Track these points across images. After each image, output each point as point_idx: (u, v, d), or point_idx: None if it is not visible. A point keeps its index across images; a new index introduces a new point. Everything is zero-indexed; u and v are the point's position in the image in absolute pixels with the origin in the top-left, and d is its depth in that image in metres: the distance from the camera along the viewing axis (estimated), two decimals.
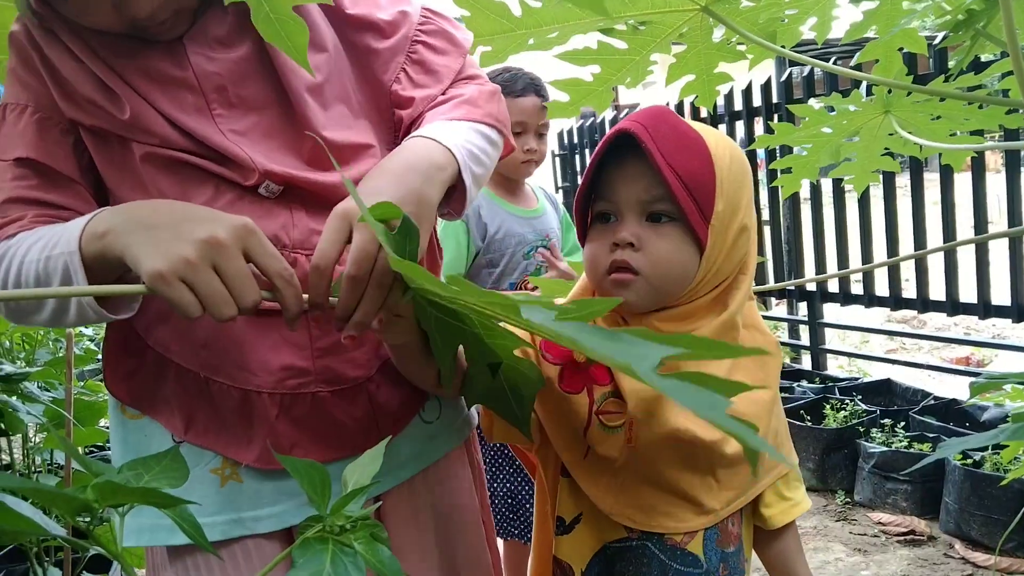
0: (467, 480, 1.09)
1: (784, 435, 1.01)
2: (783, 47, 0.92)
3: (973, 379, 0.82)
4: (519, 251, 1.98)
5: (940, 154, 1.30)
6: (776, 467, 0.97)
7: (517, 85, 1.97)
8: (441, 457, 1.04)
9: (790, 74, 3.56)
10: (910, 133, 1.09)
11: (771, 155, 3.89)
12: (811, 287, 3.70)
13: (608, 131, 0.90)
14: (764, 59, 0.89)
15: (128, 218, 0.73)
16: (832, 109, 1.14)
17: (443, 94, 0.98)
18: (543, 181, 2.37)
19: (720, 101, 3.85)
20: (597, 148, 0.89)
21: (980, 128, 1.12)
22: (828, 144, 1.18)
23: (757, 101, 3.66)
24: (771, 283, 3.91)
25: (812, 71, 3.45)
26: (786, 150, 3.19)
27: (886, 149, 1.20)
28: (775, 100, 3.63)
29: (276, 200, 0.88)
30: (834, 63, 3.19)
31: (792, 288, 3.73)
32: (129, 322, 0.89)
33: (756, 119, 3.72)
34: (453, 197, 0.92)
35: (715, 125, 3.88)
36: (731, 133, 3.85)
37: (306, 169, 0.89)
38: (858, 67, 1.06)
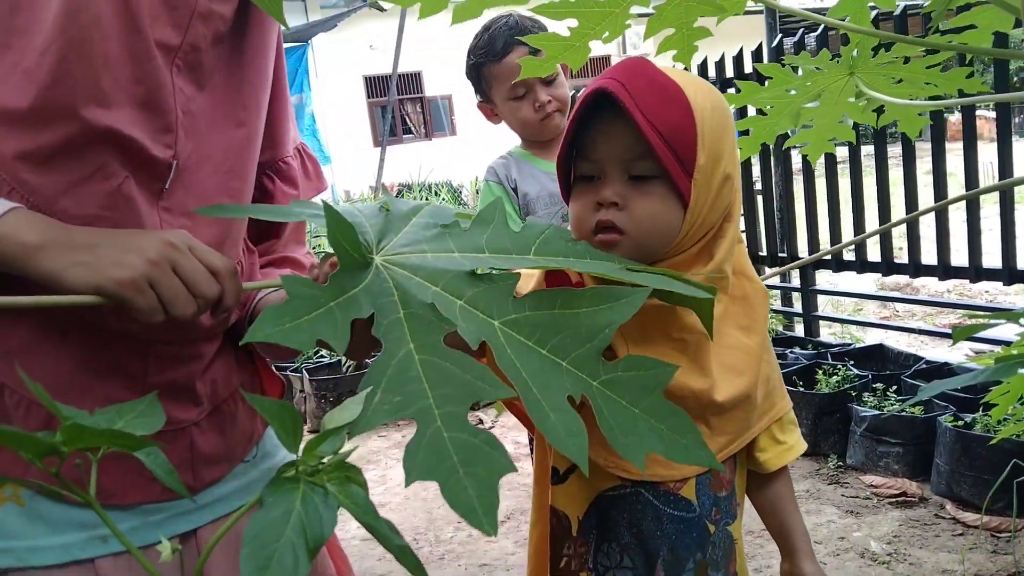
0: None
1: (777, 380, 1.01)
2: None
3: (955, 324, 0.83)
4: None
5: (897, 123, 1.30)
6: (769, 411, 0.99)
7: (497, 45, 1.78)
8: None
9: (780, 41, 3.54)
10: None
11: None
12: (803, 253, 3.71)
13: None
14: (738, 10, 0.88)
15: (66, 238, 0.74)
16: (797, 70, 1.14)
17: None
18: None
19: (711, 69, 3.83)
20: (575, 106, 0.88)
21: (940, 92, 1.12)
22: (790, 106, 1.17)
23: (748, 68, 3.64)
24: (763, 251, 3.92)
25: (803, 38, 3.43)
26: None
27: (843, 117, 1.19)
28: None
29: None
30: (825, 30, 3.18)
31: (784, 255, 3.74)
32: None
33: None
34: None
35: None
36: None
37: None
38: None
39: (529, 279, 0.95)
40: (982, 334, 3.46)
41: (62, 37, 0.75)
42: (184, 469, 0.91)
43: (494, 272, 0.69)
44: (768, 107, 1.18)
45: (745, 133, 1.27)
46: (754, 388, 0.94)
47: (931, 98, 1.16)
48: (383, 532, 0.53)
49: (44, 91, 0.75)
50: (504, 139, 2.00)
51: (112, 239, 0.75)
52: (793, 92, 1.13)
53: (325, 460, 0.53)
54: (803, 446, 1.03)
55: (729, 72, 3.76)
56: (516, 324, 0.63)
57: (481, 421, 3.83)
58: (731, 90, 3.60)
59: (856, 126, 2.55)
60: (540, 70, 0.97)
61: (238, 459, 0.98)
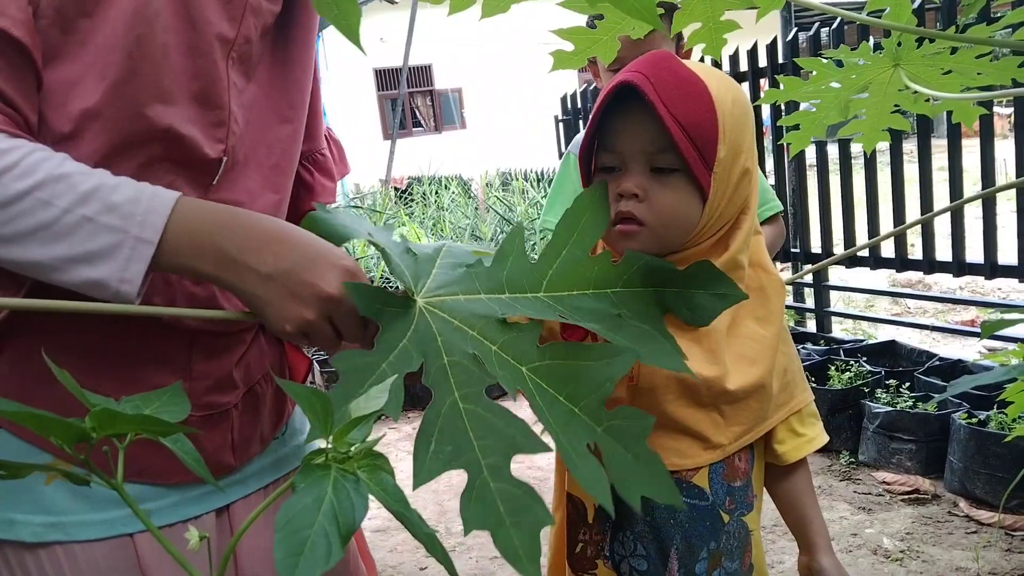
0: None
1: (796, 371, 1.02)
2: None
3: (985, 319, 0.82)
4: None
5: (948, 115, 1.28)
6: (787, 403, 0.99)
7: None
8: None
9: (796, 35, 3.52)
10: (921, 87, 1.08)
11: (776, 118, 3.85)
12: (816, 249, 3.69)
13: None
14: (772, 8, 0.88)
15: (238, 256, 0.73)
16: (840, 64, 1.13)
17: None
18: (546, 146, 2.33)
19: (725, 62, 3.81)
20: (600, 98, 0.89)
21: (992, 83, 1.11)
22: (837, 100, 1.16)
23: (763, 62, 3.62)
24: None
25: (818, 31, 3.40)
26: (792, 109, 3.16)
27: (896, 106, 1.18)
28: (780, 61, 3.59)
29: None
30: (840, 24, 3.15)
31: (797, 250, 3.72)
32: None
33: (761, 80, 3.69)
34: None
35: None
36: None
37: None
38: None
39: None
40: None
41: (129, 35, 0.74)
42: (227, 450, 0.92)
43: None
44: (815, 101, 1.17)
45: (795, 128, 1.26)
46: (769, 378, 0.94)
47: (982, 88, 1.14)
48: (412, 520, 0.53)
49: (113, 90, 0.75)
50: (514, 132, 2.01)
51: (284, 274, 0.74)
52: (836, 85, 1.12)
53: (354, 448, 0.53)
54: (824, 439, 1.03)
55: (744, 66, 3.74)
56: (540, 372, 0.69)
57: None
58: (764, 81, 3.61)
59: None
60: (571, 62, 0.97)
61: (270, 437, 1.00)
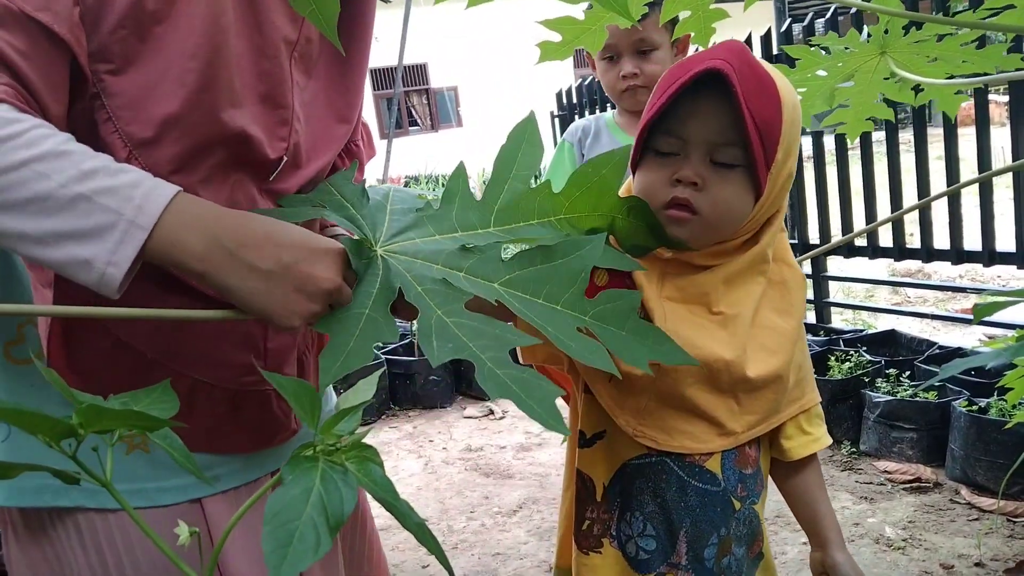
0: None
1: (808, 372, 1.03)
2: None
3: (979, 301, 0.82)
4: None
5: (931, 103, 1.27)
6: (799, 399, 1.00)
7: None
8: None
9: (790, 25, 3.51)
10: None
11: None
12: (815, 239, 3.69)
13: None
14: None
15: (236, 251, 0.74)
16: (828, 51, 1.13)
17: None
18: (542, 143, 2.31)
19: None
20: (679, 81, 0.86)
21: (977, 70, 1.10)
22: (823, 88, 1.16)
23: (757, 53, 3.61)
24: None
25: (812, 22, 3.39)
26: None
27: (881, 95, 1.18)
28: (775, 52, 3.58)
29: None
30: (834, 14, 3.15)
31: (795, 241, 3.72)
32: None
33: None
34: None
35: None
36: None
37: None
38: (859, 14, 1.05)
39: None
40: (996, 318, 3.43)
41: (208, 44, 0.76)
42: (290, 418, 0.99)
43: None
44: (800, 89, 1.17)
45: None
46: (787, 370, 0.95)
47: (970, 76, 1.14)
48: (402, 511, 0.53)
49: (193, 96, 0.76)
50: (509, 130, 1.99)
51: (285, 270, 0.75)
52: (823, 73, 1.12)
53: (343, 440, 0.53)
54: (828, 440, 1.04)
55: None
56: (511, 283, 0.75)
57: (492, 411, 3.84)
58: None
59: None
60: (559, 53, 0.96)
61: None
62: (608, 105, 1.77)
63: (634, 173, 0.94)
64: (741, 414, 0.94)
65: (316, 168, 0.93)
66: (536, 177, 0.91)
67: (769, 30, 3.63)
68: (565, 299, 0.72)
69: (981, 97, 2.93)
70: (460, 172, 0.85)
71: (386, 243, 0.81)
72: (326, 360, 0.66)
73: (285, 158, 0.86)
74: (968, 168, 2.93)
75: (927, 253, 3.21)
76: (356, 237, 0.81)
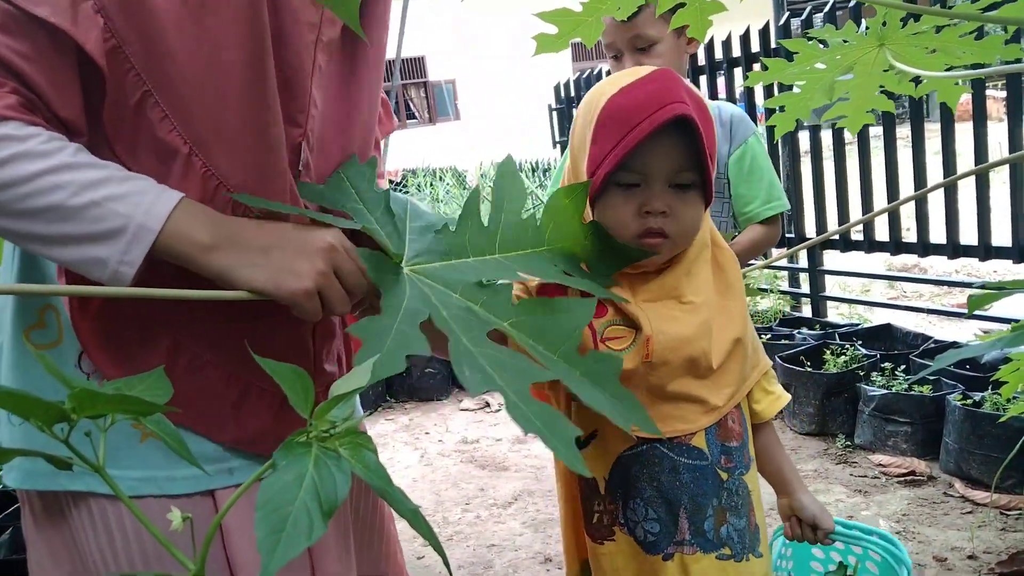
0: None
1: (756, 337, 1.14)
2: None
3: (972, 292, 0.82)
4: None
5: (932, 95, 1.27)
6: (757, 364, 1.12)
7: None
8: None
9: (788, 19, 3.51)
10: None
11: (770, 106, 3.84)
12: (811, 233, 3.69)
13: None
14: None
15: (236, 236, 0.79)
16: (826, 44, 1.12)
17: None
18: (540, 136, 2.29)
19: (718, 48, 3.80)
20: (640, 127, 0.93)
21: (977, 61, 1.10)
22: (822, 81, 1.16)
23: (755, 47, 3.61)
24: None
25: (811, 16, 3.39)
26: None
27: (881, 88, 1.18)
28: (773, 46, 3.57)
29: None
30: (832, 8, 3.14)
31: (792, 236, 3.72)
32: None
33: (754, 65, 3.67)
34: None
35: (712, 73, 3.84)
36: (729, 81, 3.80)
37: None
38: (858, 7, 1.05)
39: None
40: (992, 312, 3.44)
41: (251, 37, 0.79)
42: None
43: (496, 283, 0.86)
44: (799, 83, 1.17)
45: (781, 110, 1.26)
46: (746, 340, 1.06)
47: (970, 67, 1.14)
48: (396, 497, 0.53)
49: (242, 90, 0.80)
50: (508, 122, 1.98)
51: (282, 241, 0.81)
52: (822, 66, 1.13)
53: (337, 426, 0.53)
54: (787, 396, 1.17)
55: (736, 52, 3.72)
56: (518, 326, 0.80)
57: (487, 404, 3.84)
58: (756, 67, 3.59)
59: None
60: (554, 45, 0.96)
61: None
62: None
63: (593, 205, 1.00)
64: (717, 388, 1.04)
65: (338, 149, 0.94)
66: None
67: (767, 24, 3.63)
68: (561, 351, 0.78)
69: (979, 92, 2.93)
70: (474, 197, 0.92)
71: (411, 262, 0.86)
72: (359, 361, 0.69)
73: (304, 142, 0.88)
74: (965, 163, 2.92)
75: (923, 248, 3.21)
76: (380, 250, 0.86)
